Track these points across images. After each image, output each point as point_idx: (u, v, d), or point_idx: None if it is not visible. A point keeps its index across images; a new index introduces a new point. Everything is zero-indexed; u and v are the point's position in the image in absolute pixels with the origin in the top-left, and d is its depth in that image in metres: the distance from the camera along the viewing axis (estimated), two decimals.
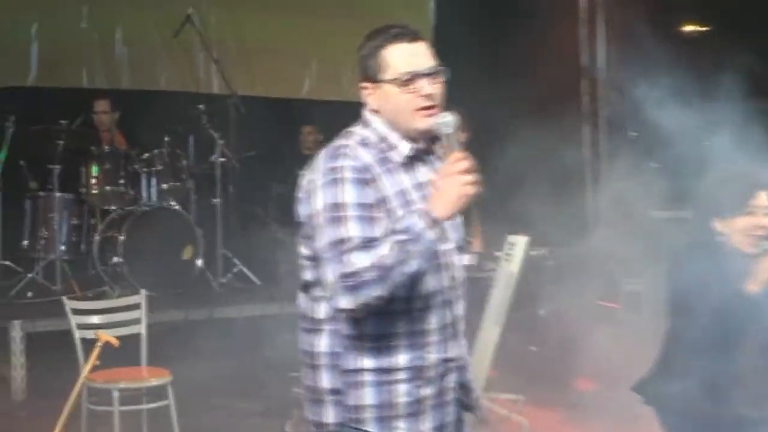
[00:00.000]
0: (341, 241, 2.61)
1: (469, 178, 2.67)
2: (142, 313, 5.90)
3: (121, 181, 8.27)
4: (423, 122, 2.78)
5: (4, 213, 8.25)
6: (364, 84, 2.84)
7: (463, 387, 2.93)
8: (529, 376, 6.78)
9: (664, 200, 6.52)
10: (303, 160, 10.62)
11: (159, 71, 10.24)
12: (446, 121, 2.76)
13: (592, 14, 10.55)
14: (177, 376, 5.74)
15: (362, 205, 2.64)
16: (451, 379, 2.87)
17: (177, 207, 8.36)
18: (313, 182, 2.72)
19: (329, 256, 2.62)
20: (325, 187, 2.68)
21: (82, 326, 5.68)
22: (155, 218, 8.23)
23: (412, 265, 2.61)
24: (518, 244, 5.97)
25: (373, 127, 2.82)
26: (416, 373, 2.77)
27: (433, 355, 2.80)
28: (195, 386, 6.31)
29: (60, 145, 8.15)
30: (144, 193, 8.36)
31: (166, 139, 8.39)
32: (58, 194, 8.17)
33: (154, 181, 8.35)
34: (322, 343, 2.78)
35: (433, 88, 2.78)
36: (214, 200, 8.77)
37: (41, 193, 8.26)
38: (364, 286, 2.57)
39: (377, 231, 2.63)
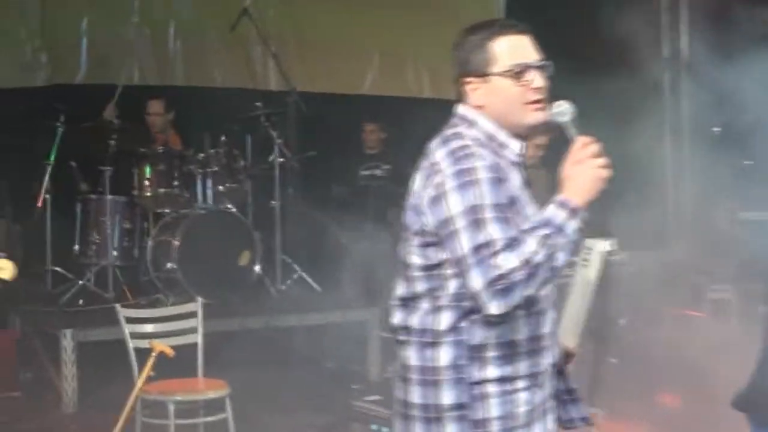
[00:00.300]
0: (485, 245, 2.60)
1: (601, 161, 2.72)
2: (198, 322, 5.95)
3: (176, 183, 8.33)
4: (533, 116, 2.82)
5: (54, 217, 8.32)
6: (469, 79, 2.85)
7: (563, 391, 2.97)
8: (609, 389, 6.72)
9: (753, 201, 6.43)
10: (366, 159, 10.74)
11: (214, 67, 10.29)
12: (562, 109, 2.81)
13: (674, 1, 10.45)
14: (235, 388, 5.79)
15: (500, 206, 2.65)
16: (553, 385, 2.90)
17: (234, 210, 8.40)
18: (441, 186, 2.70)
19: (473, 262, 2.61)
20: (459, 190, 2.66)
21: (136, 335, 5.74)
22: (211, 222, 8.28)
23: (559, 259, 2.63)
24: (596, 248, 5.91)
25: (479, 125, 2.83)
26: (533, 381, 2.80)
27: (546, 360, 2.84)
28: (253, 398, 6.35)
29: (112, 146, 8.24)
30: (199, 196, 8.38)
31: (223, 138, 8.42)
32: (109, 197, 8.24)
33: (209, 182, 8.38)
34: (445, 356, 2.76)
35: (544, 81, 2.83)
36: (273, 202, 8.80)
37: (92, 196, 8.34)
38: (515, 288, 2.57)
39: (515, 231, 2.63)
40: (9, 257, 3.73)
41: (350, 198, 9.55)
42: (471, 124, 2.83)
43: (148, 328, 5.85)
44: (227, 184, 8.43)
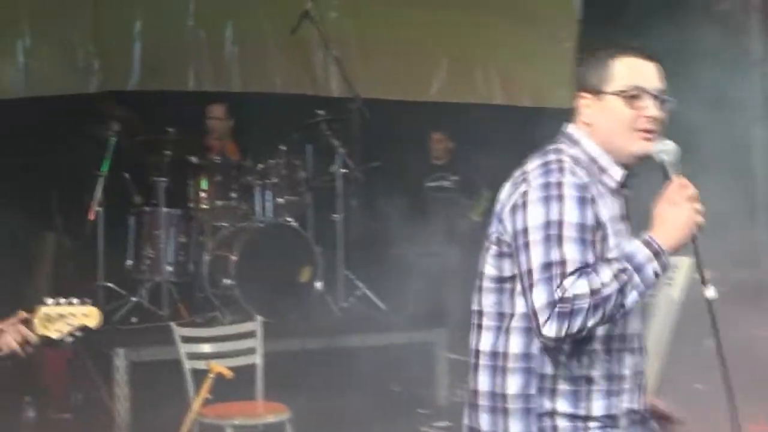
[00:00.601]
0: (558, 264, 2.62)
1: (697, 206, 2.74)
2: (257, 342, 5.99)
3: (233, 195, 8.41)
4: (640, 146, 2.83)
5: (107, 230, 8.37)
6: (583, 94, 2.89)
7: None
8: (694, 417, 6.65)
9: None
10: (433, 170, 10.69)
11: (273, 72, 10.34)
12: (668, 148, 2.83)
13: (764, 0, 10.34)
14: (295, 412, 5.82)
15: (582, 227, 2.67)
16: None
17: (294, 223, 8.42)
18: (525, 196, 2.74)
19: (539, 278, 2.63)
20: (542, 202, 2.70)
21: (192, 355, 5.80)
22: (270, 236, 8.32)
23: (629, 297, 2.63)
24: (681, 266, 5.86)
25: (582, 145, 2.86)
26: (608, 423, 2.80)
27: (625, 404, 2.83)
28: (315, 423, 6.37)
29: (167, 156, 8.32)
30: (258, 208, 8.46)
31: (282, 148, 8.49)
32: (164, 209, 8.31)
33: (268, 194, 8.45)
34: (514, 384, 2.79)
35: (659, 112, 2.83)
36: (335, 216, 8.84)
37: (146, 209, 8.43)
38: (576, 315, 2.58)
39: (592, 256, 2.66)
40: (92, 304, 3.76)
41: (416, 211, 9.54)
42: (574, 143, 2.87)
43: (205, 348, 5.90)
44: (287, 196, 8.49)
